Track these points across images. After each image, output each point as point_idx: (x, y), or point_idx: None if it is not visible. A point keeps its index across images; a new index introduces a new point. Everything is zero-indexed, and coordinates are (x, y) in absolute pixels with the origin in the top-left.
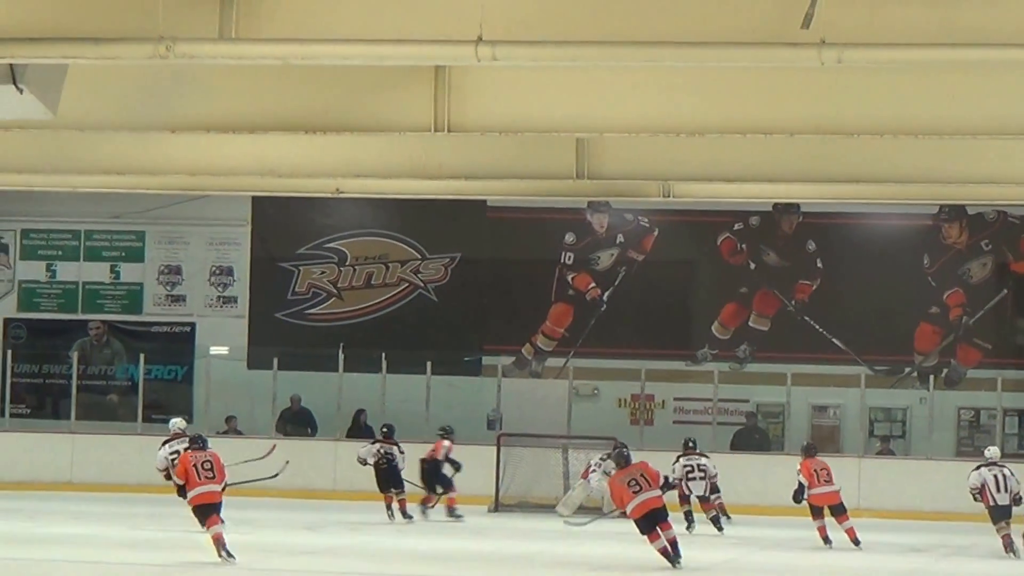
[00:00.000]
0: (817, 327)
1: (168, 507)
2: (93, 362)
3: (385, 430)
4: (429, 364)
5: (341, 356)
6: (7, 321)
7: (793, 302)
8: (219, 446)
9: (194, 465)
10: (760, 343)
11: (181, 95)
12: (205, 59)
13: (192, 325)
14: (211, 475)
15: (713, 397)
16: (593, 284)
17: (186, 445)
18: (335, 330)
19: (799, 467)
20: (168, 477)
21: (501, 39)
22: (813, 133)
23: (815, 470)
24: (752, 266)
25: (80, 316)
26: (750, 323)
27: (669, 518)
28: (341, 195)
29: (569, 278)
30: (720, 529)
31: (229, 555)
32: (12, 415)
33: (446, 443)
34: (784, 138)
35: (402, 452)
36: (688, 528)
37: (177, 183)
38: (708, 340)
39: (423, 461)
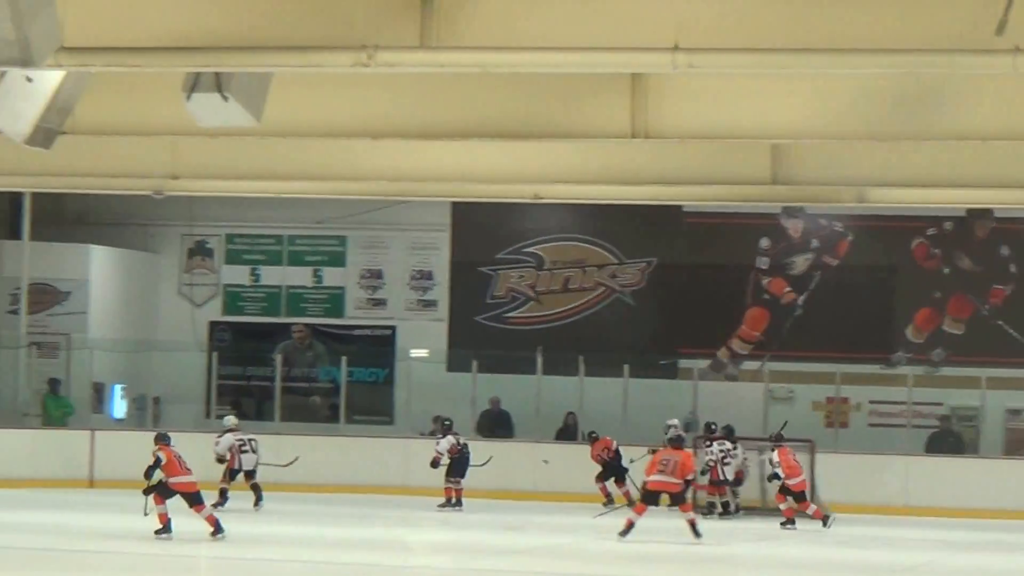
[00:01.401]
0: (1011, 331)
1: (370, 508)
2: (296, 364)
3: (448, 423)
4: (626, 367)
5: (540, 359)
6: (213, 324)
7: (987, 306)
8: (425, 446)
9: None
10: (954, 347)
11: (382, 101)
12: (406, 67)
13: (393, 328)
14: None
15: (908, 400)
16: (788, 288)
17: (241, 438)
18: (533, 333)
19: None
20: (221, 461)
21: (697, 47)
22: (1007, 139)
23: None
24: (946, 271)
25: (283, 319)
26: (944, 327)
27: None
28: (540, 201)
29: (764, 282)
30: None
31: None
32: (218, 417)
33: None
34: (978, 144)
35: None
36: (723, 514)
37: (378, 189)
38: (902, 344)
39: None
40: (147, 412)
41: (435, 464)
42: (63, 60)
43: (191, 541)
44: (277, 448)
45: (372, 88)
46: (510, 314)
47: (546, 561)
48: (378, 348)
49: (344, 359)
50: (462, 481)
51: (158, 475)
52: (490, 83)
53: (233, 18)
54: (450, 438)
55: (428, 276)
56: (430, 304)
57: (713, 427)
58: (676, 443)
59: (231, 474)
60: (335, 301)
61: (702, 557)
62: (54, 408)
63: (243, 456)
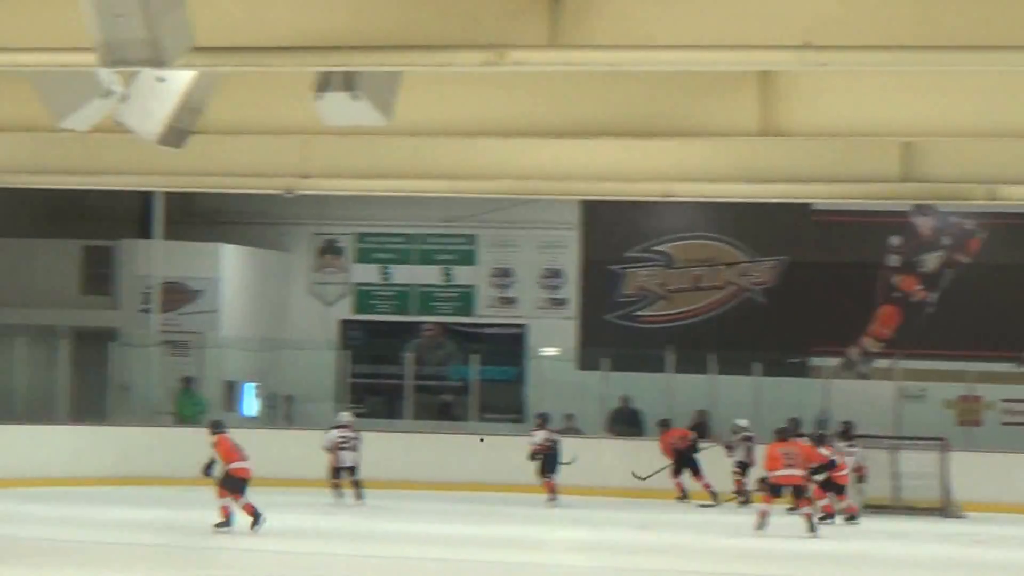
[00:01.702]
0: None
1: (503, 506)
2: (427, 363)
3: (540, 419)
4: (758, 365)
5: (670, 357)
6: (344, 323)
7: None
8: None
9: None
10: None
11: (512, 100)
12: (535, 66)
13: (523, 327)
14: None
15: None
16: (919, 286)
17: (344, 435)
18: (663, 332)
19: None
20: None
21: (827, 44)
22: None
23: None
24: None
25: (414, 318)
26: None
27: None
28: (669, 199)
29: (895, 280)
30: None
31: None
32: (357, 415)
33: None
34: None
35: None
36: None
37: (508, 187)
38: None
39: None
40: (279, 410)
41: (533, 457)
42: (194, 60)
43: (330, 537)
44: (408, 446)
45: (501, 87)
46: (640, 312)
47: (679, 560)
48: (508, 346)
49: (475, 357)
50: (554, 477)
51: (219, 467)
52: (619, 81)
53: (363, 18)
54: (543, 433)
55: (558, 274)
56: (560, 302)
57: (847, 427)
58: (783, 435)
59: (335, 472)
60: (465, 300)
61: (834, 555)
62: (187, 406)
63: (341, 453)
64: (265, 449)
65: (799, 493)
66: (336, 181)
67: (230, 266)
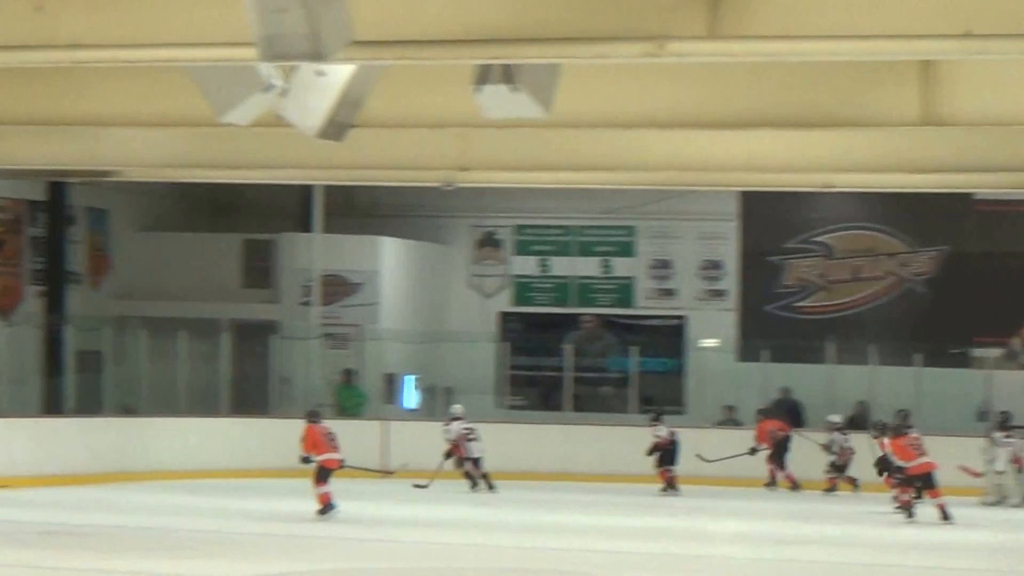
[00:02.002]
0: None
1: (662, 497)
2: (586, 354)
3: (656, 416)
4: (919, 356)
5: (830, 348)
6: (503, 315)
7: None
8: (713, 436)
9: None
10: None
11: (670, 91)
12: (695, 57)
13: (682, 318)
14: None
15: None
16: None
17: (468, 427)
18: (823, 322)
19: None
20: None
21: (989, 32)
22: None
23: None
24: None
25: (573, 310)
26: None
27: None
28: (830, 189)
29: None
30: None
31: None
32: (511, 407)
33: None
34: None
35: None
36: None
37: (667, 178)
38: None
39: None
40: (438, 402)
41: (653, 452)
42: (354, 54)
43: (491, 529)
44: (566, 438)
45: (660, 78)
46: (800, 303)
47: (841, 551)
48: (668, 338)
49: (634, 349)
50: (674, 468)
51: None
52: (779, 71)
53: (522, 10)
54: (663, 427)
55: (717, 266)
56: (719, 294)
57: (1005, 417)
58: (899, 430)
59: (460, 462)
60: (624, 291)
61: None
62: (347, 398)
63: (469, 444)
64: (425, 441)
65: (930, 483)
66: (495, 174)
67: (389, 259)
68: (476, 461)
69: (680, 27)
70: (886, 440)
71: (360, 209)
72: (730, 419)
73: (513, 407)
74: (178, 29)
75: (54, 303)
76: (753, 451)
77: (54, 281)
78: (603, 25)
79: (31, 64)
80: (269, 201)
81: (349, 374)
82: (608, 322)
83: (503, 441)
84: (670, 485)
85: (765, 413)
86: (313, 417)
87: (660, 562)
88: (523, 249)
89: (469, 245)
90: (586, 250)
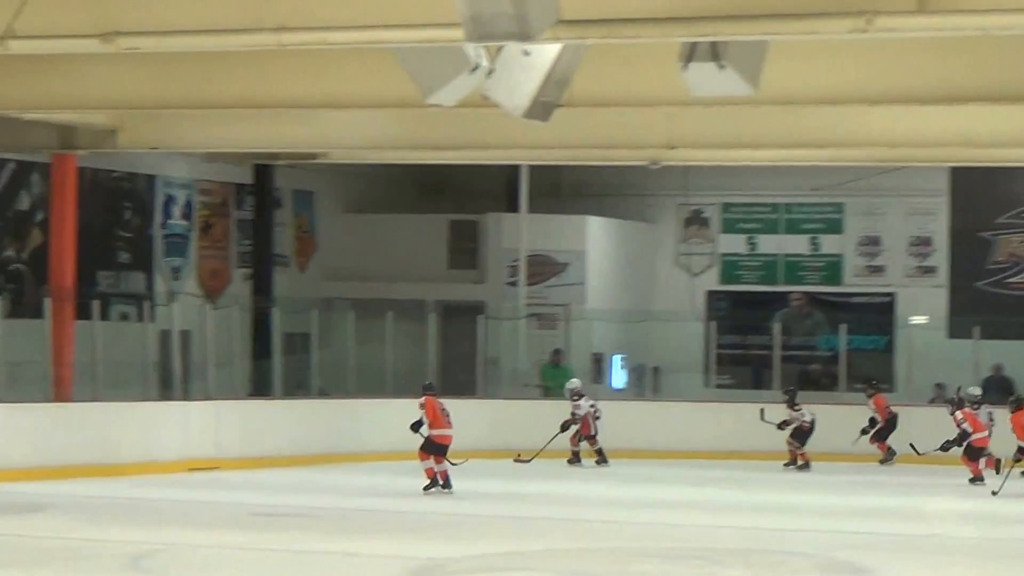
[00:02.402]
0: None
1: (884, 475)
2: (795, 333)
3: (790, 390)
4: None
5: None
6: (710, 293)
7: None
8: (924, 415)
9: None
10: None
11: (879, 67)
12: (904, 32)
13: (892, 295)
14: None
15: None
16: None
17: (594, 404)
18: None
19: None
20: (566, 427)
21: None
22: None
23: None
24: None
25: (781, 288)
26: None
27: None
28: None
29: None
30: None
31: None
32: (718, 386)
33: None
34: None
35: None
36: None
37: (875, 155)
38: None
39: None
40: (646, 382)
41: (782, 426)
42: (560, 33)
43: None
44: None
45: (869, 53)
46: (1011, 279)
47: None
48: (877, 315)
49: (843, 327)
50: (803, 447)
51: (425, 430)
52: (989, 45)
53: None
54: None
55: (927, 242)
56: (929, 270)
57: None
58: (1020, 403)
59: (581, 437)
60: (832, 269)
61: None
62: (552, 378)
63: (596, 422)
64: (633, 420)
65: None
66: (702, 152)
67: (596, 238)
68: (594, 438)
69: (888, 2)
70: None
71: (566, 189)
72: (940, 397)
73: (721, 386)
74: (384, 11)
75: (261, 285)
76: (870, 425)
77: (261, 264)
78: (810, 1)
79: (238, 48)
80: (475, 181)
81: (558, 354)
82: (816, 300)
83: (711, 421)
84: (799, 461)
85: (877, 387)
86: (429, 389)
87: (874, 541)
88: (730, 227)
89: (676, 224)
90: (794, 227)
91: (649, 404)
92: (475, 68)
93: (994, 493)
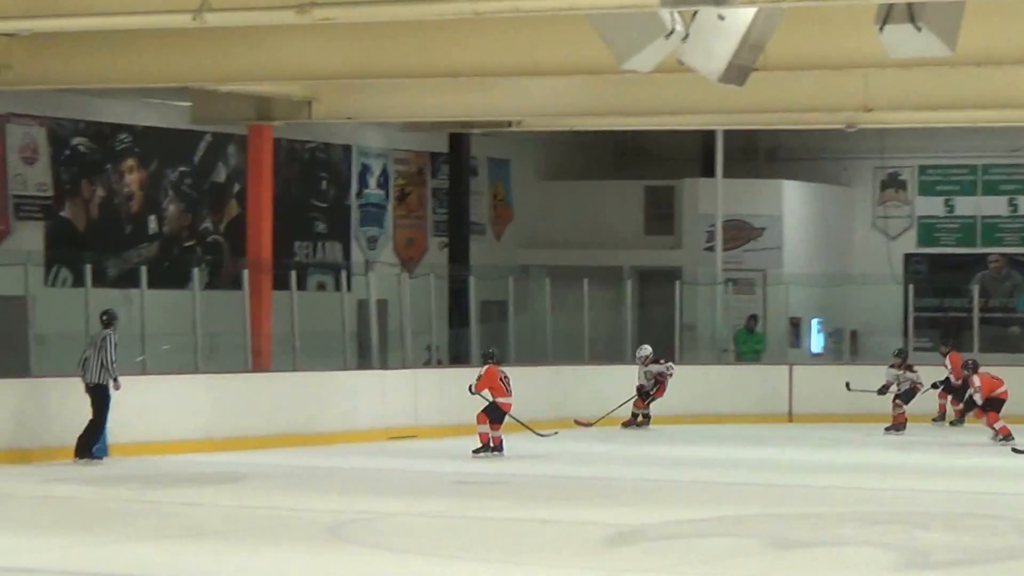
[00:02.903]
0: None
1: None
2: (993, 295)
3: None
4: None
5: None
6: (907, 256)
7: None
8: None
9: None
10: None
11: None
12: None
13: None
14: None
15: None
16: None
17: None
18: None
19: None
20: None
21: None
22: None
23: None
24: None
25: (979, 250)
26: None
27: None
28: None
29: None
30: None
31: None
32: (915, 348)
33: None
34: None
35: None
36: None
37: None
38: None
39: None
40: (844, 346)
41: (883, 391)
42: None
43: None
44: None
45: None
46: None
47: None
48: None
49: None
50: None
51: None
52: None
53: None
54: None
55: None
56: None
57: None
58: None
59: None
60: None
61: None
62: (747, 344)
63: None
64: (831, 385)
65: None
66: (898, 114)
67: (792, 203)
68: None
69: None
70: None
71: (762, 153)
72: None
73: (919, 349)
74: None
75: (457, 254)
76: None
77: (457, 232)
78: None
79: (433, 17)
80: (670, 147)
81: (754, 320)
82: (1016, 261)
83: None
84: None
85: (947, 345)
86: (491, 359)
87: None
88: (927, 190)
89: (872, 187)
90: (992, 189)
91: (845, 368)
92: (670, 33)
93: None
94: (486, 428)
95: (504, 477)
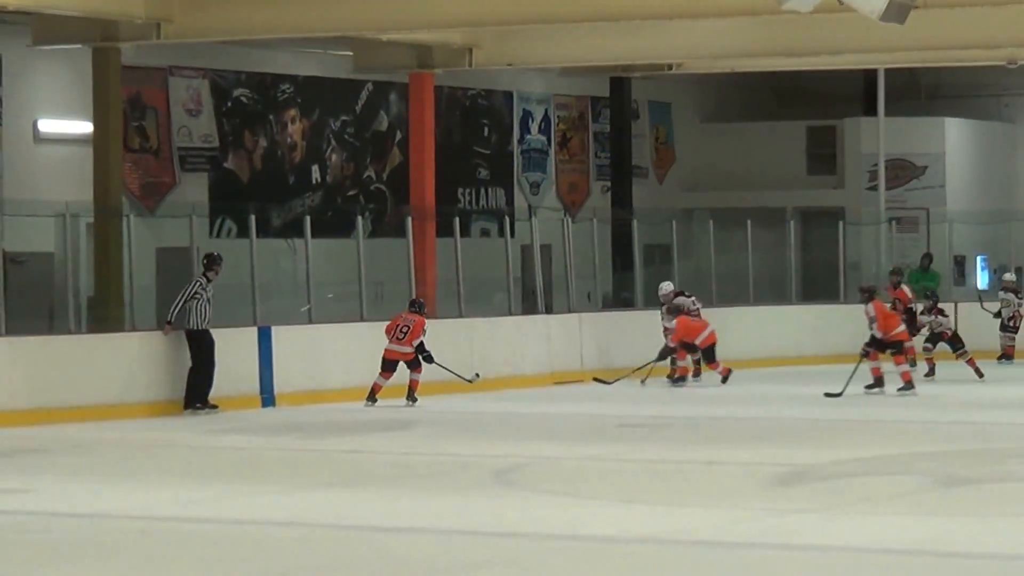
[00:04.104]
0: None
1: None
2: None
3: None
4: None
5: None
6: None
7: None
8: None
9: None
10: None
11: None
12: None
13: None
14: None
15: None
16: None
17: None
18: None
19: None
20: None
21: None
22: None
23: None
24: None
25: None
26: None
27: None
28: None
29: None
30: None
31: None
32: None
33: None
34: None
35: None
36: None
37: None
38: None
39: None
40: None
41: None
42: None
43: None
44: None
45: None
46: None
47: None
48: None
49: None
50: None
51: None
52: None
53: None
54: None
55: None
56: None
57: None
58: None
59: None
60: None
61: None
62: (919, 283)
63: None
64: (994, 323)
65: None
66: None
67: (954, 140)
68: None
69: None
70: None
71: (924, 91)
72: None
73: None
74: None
75: (620, 198)
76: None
77: (620, 176)
78: None
79: None
80: (831, 87)
81: (929, 258)
82: None
83: None
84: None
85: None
86: (872, 293)
87: None
88: None
89: None
90: None
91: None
92: None
93: None
94: (878, 364)
95: (668, 420)
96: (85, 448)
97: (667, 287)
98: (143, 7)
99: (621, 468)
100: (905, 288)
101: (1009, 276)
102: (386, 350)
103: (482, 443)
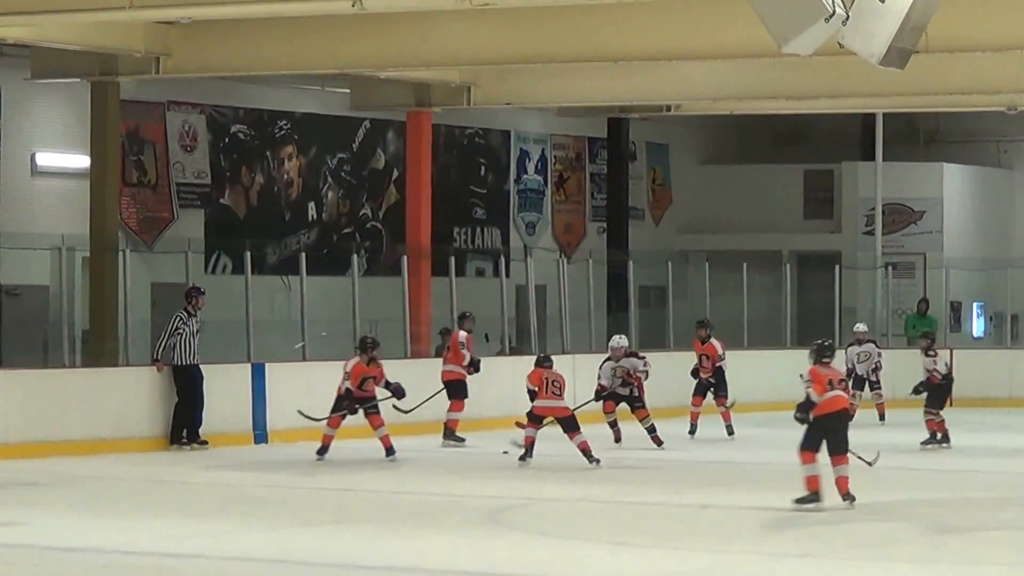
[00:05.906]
0: None
1: None
2: None
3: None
4: None
5: None
6: None
7: None
8: None
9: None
10: None
11: None
12: None
13: None
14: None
15: None
16: None
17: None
18: None
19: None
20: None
21: None
22: None
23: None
24: None
25: None
26: None
27: None
28: None
29: None
30: None
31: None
32: None
33: None
34: None
35: None
36: None
37: None
38: None
39: None
40: (1005, 330)
41: None
42: None
43: None
44: None
45: None
46: None
47: None
48: None
49: None
50: None
51: None
52: None
53: None
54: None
55: None
56: None
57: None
58: None
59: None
60: None
61: None
62: (916, 328)
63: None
64: (990, 370)
65: None
66: None
67: (952, 186)
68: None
69: None
70: None
71: (922, 136)
72: None
73: None
74: None
75: (616, 239)
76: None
77: (616, 217)
78: None
79: (588, 2)
80: (829, 130)
81: (926, 303)
82: None
83: None
84: None
85: None
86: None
87: None
88: None
89: None
90: None
91: (1008, 352)
92: (831, 16)
93: None
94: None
95: (660, 463)
96: (78, 482)
97: (621, 341)
98: (142, 41)
99: (614, 510)
100: (715, 342)
101: (860, 327)
102: (535, 406)
103: (474, 483)
